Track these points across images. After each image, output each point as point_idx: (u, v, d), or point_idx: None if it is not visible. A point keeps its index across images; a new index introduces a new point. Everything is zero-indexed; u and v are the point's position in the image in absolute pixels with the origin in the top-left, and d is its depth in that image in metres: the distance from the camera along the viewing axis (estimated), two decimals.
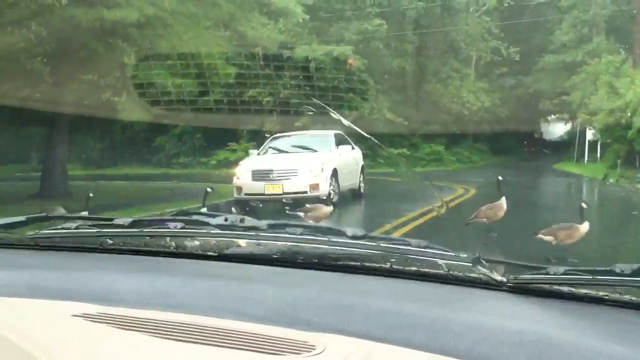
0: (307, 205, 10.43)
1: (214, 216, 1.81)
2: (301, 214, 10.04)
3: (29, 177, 21.32)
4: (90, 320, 1.26)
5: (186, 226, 1.80)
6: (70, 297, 1.40)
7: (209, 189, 9.72)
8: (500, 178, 10.42)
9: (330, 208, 10.22)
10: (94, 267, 1.61)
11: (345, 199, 15.06)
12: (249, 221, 1.77)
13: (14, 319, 1.27)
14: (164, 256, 1.77)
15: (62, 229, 1.85)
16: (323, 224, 9.21)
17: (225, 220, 1.77)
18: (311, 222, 9.63)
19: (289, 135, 16.67)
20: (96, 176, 24.81)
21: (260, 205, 13.15)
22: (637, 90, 23.32)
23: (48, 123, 17.78)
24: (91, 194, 9.97)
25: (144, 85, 13.07)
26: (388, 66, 33.22)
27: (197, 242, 1.84)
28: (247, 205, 13.28)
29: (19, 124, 19.40)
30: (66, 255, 1.80)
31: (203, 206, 9.79)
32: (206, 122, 21.44)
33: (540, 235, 8.31)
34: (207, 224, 1.77)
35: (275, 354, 1.13)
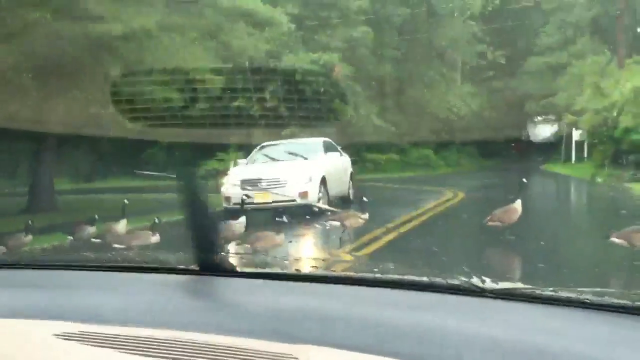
0: (343, 213, 10.19)
1: None
2: (336, 222, 9.80)
3: (17, 192, 21.20)
4: (72, 340, 1.26)
5: None
6: (51, 316, 1.39)
7: (125, 201, 10.15)
8: (524, 180, 10.31)
9: (367, 215, 9.80)
10: (75, 285, 1.61)
11: (335, 206, 15.05)
12: None
13: None
14: (143, 272, 1.76)
15: (42, 247, 1.84)
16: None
17: None
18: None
19: (277, 144, 16.66)
20: (85, 190, 24.70)
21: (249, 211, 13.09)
22: (622, 90, 23.47)
23: (36, 138, 17.70)
24: (96, 217, 9.98)
25: (131, 99, 13.04)
26: (375, 73, 33.31)
27: (178, 256, 1.84)
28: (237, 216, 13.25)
29: (7, 139, 19.29)
30: (46, 274, 1.79)
31: (123, 217, 9.85)
32: (194, 133, 21.39)
33: (613, 239, 7.84)
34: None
35: None
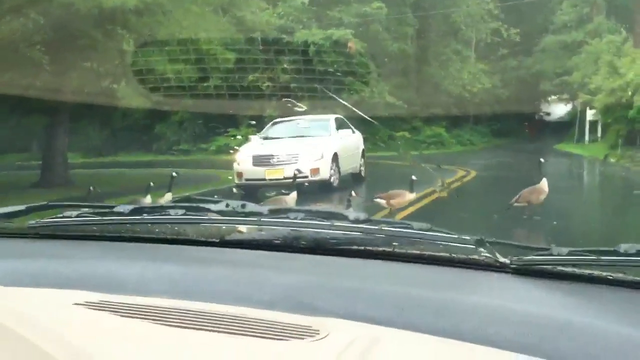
0: (390, 192, 9.89)
1: (215, 202, 1.80)
2: (382, 201, 9.59)
3: (29, 166, 21.33)
4: (93, 309, 1.26)
5: (187, 213, 1.79)
6: (72, 285, 1.39)
7: (174, 174, 9.85)
8: (542, 160, 10.16)
9: (413, 195, 9.60)
10: (96, 255, 1.61)
11: (346, 182, 15.07)
12: (251, 207, 1.76)
13: (16, 308, 1.27)
14: (165, 243, 1.77)
15: (63, 217, 1.85)
16: (325, 207, 9.07)
17: (227, 206, 1.76)
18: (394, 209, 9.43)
19: (289, 120, 16.65)
20: (97, 164, 24.84)
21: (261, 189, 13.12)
22: (638, 70, 23.25)
23: (48, 112, 17.77)
24: (92, 188, 9.92)
25: (143, 71, 13.04)
26: (388, 49, 33.09)
27: (198, 229, 1.84)
28: (249, 191, 13.30)
29: (19, 113, 19.36)
30: (67, 244, 1.79)
31: (169, 191, 9.77)
32: (206, 108, 21.41)
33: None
34: (209, 210, 1.76)
35: (278, 339, 1.13)
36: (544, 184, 9.24)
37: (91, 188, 9.72)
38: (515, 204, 9.13)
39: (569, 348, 1.13)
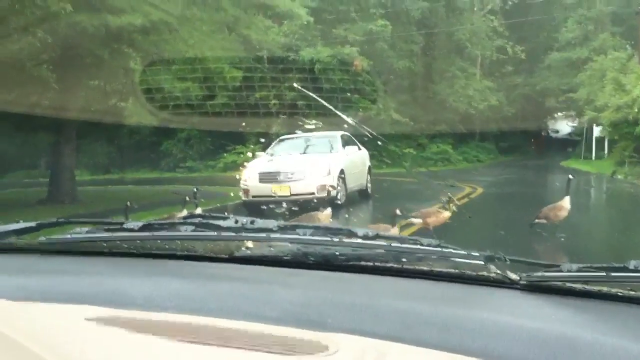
0: (427, 209, 9.48)
1: (224, 219, 1.81)
2: (417, 220, 9.26)
3: (37, 183, 21.41)
4: (104, 324, 1.26)
5: (197, 229, 1.79)
6: (82, 301, 1.40)
7: (129, 204, 9.77)
8: (570, 177, 9.91)
9: (449, 213, 9.07)
10: (106, 271, 1.62)
11: (353, 199, 15.06)
12: (259, 223, 1.77)
13: (28, 324, 1.27)
14: (175, 259, 1.77)
15: (73, 233, 1.86)
16: (333, 224, 8.99)
17: (236, 222, 1.77)
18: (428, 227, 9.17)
19: (295, 137, 16.67)
20: (104, 181, 24.93)
21: (270, 207, 13.11)
22: None
23: (55, 129, 17.85)
24: (129, 203, 9.92)
25: (150, 90, 13.10)
26: (393, 67, 33.23)
27: (208, 245, 1.84)
28: (256, 208, 13.30)
29: (27, 130, 19.45)
30: (78, 260, 1.80)
31: (196, 206, 9.74)
32: (213, 125, 21.48)
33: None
34: (218, 226, 1.77)
35: (288, 354, 1.13)
36: (565, 201, 9.06)
37: (128, 203, 9.78)
38: (537, 221, 9.02)
39: None
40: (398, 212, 8.63)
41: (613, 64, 30.18)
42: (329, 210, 9.53)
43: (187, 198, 9.86)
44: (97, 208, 15.52)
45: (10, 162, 26.94)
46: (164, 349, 1.17)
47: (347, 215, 12.87)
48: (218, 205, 15.06)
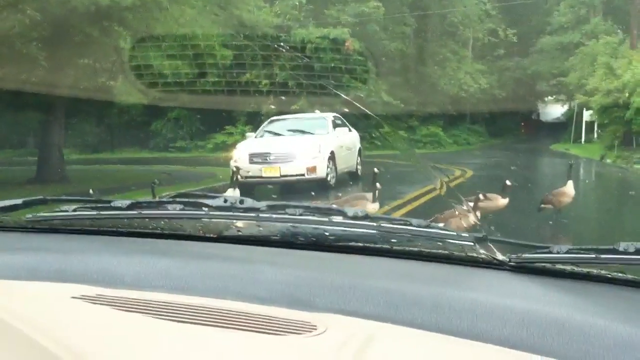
0: (481, 195, 8.44)
1: (213, 198, 1.80)
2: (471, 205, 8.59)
3: (25, 161, 21.30)
4: (90, 302, 1.26)
5: (185, 208, 1.78)
6: (69, 279, 1.39)
7: (156, 181, 9.32)
8: (571, 163, 9.76)
9: (507, 200, 8.37)
10: (93, 250, 1.60)
11: (343, 181, 15.07)
12: (249, 202, 1.76)
13: (13, 302, 1.26)
14: (163, 238, 1.76)
15: (60, 211, 1.84)
16: (322, 204, 8.84)
17: (225, 201, 1.76)
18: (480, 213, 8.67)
19: (285, 118, 16.64)
20: (93, 160, 24.81)
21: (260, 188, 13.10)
22: (634, 71, 23.33)
23: (44, 108, 17.74)
24: (91, 191, 9.82)
25: (140, 68, 13.01)
26: (385, 49, 33.13)
27: (196, 224, 1.83)
28: (246, 189, 13.30)
29: (16, 108, 19.34)
30: (65, 238, 1.79)
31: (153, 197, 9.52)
32: (203, 105, 21.41)
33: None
34: (207, 205, 1.76)
35: (276, 334, 1.13)
36: (568, 186, 8.89)
37: (91, 191, 9.67)
38: (542, 206, 8.90)
39: (566, 346, 1.13)
40: (375, 170, 8.45)
41: (604, 48, 30.23)
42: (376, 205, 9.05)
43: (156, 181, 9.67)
44: (86, 187, 15.45)
45: None
46: (151, 328, 1.16)
47: (337, 196, 12.88)
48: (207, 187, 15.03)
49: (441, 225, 1.63)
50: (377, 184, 8.33)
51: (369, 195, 8.34)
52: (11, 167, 21.30)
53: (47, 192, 13.73)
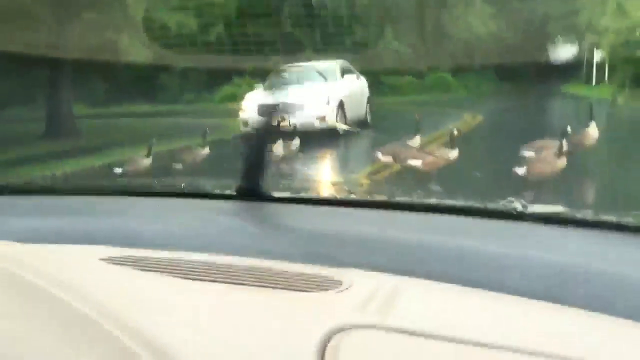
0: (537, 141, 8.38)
1: None
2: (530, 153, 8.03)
3: (34, 117, 21.27)
4: (117, 264, 1.27)
5: None
6: (95, 241, 1.41)
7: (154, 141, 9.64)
8: (591, 104, 9.21)
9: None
10: (118, 211, 1.62)
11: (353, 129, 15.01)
12: None
13: (43, 265, 1.28)
14: (184, 197, 1.78)
15: (83, 173, 1.86)
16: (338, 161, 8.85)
17: None
18: None
19: (293, 68, 16.50)
20: (102, 115, 24.76)
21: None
22: None
23: (51, 63, 17.66)
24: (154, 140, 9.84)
25: (145, 21, 12.89)
26: None
27: (216, 182, 1.85)
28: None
29: (22, 65, 19.24)
30: (87, 200, 1.81)
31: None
32: (209, 58, 21.25)
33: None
34: None
35: (302, 290, 1.14)
36: (592, 127, 8.39)
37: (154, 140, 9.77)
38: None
39: (588, 295, 1.15)
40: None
41: None
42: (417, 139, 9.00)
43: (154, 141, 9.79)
44: (98, 141, 15.50)
45: (5, 98, 26.73)
46: (177, 287, 1.18)
47: (346, 146, 12.87)
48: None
49: None
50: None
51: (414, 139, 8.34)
52: (20, 124, 21.30)
53: (59, 146, 13.81)
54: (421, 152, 8.22)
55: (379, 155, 9.03)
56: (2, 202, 1.83)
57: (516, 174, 7.04)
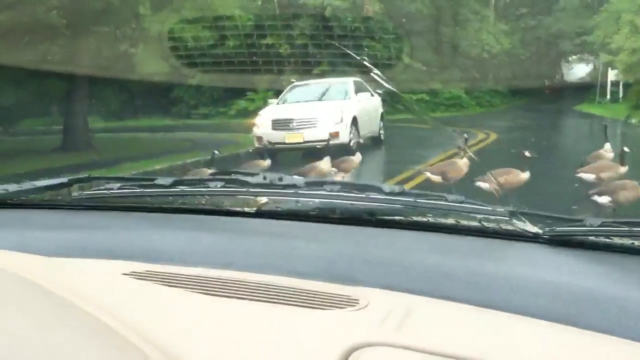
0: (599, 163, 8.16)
1: (252, 175, 1.85)
2: (589, 175, 7.84)
3: (50, 130, 21.42)
4: (139, 279, 1.30)
5: (226, 185, 1.83)
6: (117, 256, 1.43)
7: (217, 152, 9.65)
8: (605, 124, 9.05)
9: (626, 168, 7.59)
10: (139, 227, 1.65)
11: (366, 146, 15.04)
12: (287, 179, 1.80)
13: (66, 279, 1.30)
14: (205, 214, 1.81)
15: (106, 189, 1.89)
16: (354, 179, 8.83)
17: (264, 178, 1.80)
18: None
19: (307, 84, 16.56)
20: (118, 128, 24.90)
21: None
22: None
23: (67, 76, 17.79)
24: (217, 152, 9.79)
25: (160, 35, 12.98)
26: (405, 10, 32.63)
27: (237, 200, 1.88)
28: (268, 155, 13.32)
29: (39, 78, 19.40)
30: (110, 215, 1.84)
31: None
32: (224, 72, 21.33)
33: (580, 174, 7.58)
34: (247, 182, 1.80)
35: (320, 308, 1.16)
36: (606, 149, 8.33)
37: (217, 152, 9.74)
38: (581, 172, 7.98)
39: (600, 318, 1.15)
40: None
41: (629, 5, 29.50)
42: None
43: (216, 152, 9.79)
44: (113, 155, 15.59)
45: (22, 110, 26.89)
46: (197, 303, 1.20)
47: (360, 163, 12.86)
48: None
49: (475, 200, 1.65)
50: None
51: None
52: (37, 137, 21.45)
53: (74, 160, 13.90)
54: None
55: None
56: (28, 216, 1.87)
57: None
